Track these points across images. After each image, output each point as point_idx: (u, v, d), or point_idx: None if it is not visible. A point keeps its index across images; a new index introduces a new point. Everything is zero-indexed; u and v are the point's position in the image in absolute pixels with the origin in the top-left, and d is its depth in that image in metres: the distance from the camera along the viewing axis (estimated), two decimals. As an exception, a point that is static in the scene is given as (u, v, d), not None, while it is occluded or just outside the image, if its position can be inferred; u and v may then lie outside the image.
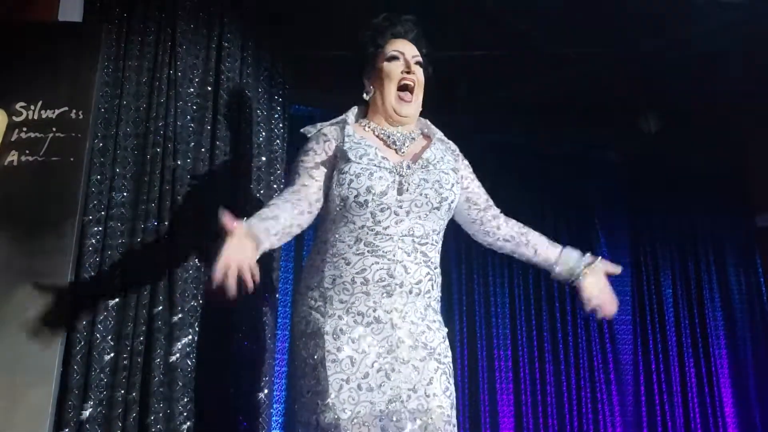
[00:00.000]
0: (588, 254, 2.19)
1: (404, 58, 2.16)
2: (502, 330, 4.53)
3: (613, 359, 4.79)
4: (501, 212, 2.28)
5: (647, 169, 5.16)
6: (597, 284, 2.14)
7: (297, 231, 2.04)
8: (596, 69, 4.33)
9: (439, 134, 2.24)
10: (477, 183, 2.27)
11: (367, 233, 1.98)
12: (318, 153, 2.10)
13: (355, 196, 1.97)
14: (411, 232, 2.00)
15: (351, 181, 1.98)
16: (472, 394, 4.32)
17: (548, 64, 4.24)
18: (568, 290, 4.74)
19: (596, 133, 4.97)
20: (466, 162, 2.28)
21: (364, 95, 2.22)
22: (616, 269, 2.18)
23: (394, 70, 2.15)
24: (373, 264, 1.96)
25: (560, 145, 4.99)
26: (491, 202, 2.28)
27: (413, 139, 2.18)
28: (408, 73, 2.15)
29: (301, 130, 2.22)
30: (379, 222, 1.98)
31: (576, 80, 4.42)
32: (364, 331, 1.93)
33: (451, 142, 2.27)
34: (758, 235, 5.25)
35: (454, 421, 1.94)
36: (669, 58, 4.10)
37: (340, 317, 1.94)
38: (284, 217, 1.96)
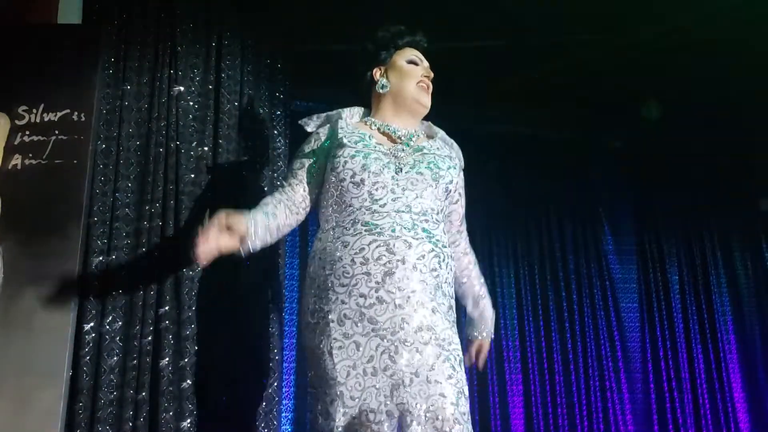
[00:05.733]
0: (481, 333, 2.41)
1: (423, 65, 2.30)
2: (510, 320, 4.54)
3: (621, 347, 4.79)
4: (469, 247, 2.41)
5: (651, 156, 5.14)
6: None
7: (287, 230, 2.21)
8: (597, 57, 4.31)
9: (442, 133, 2.31)
10: (462, 201, 2.31)
11: (365, 213, 2.02)
12: (306, 153, 2.24)
13: (351, 176, 2.04)
14: (408, 208, 2.03)
15: (346, 162, 2.06)
16: (481, 384, 4.33)
17: (549, 52, 4.22)
18: (575, 280, 4.75)
19: (599, 121, 4.96)
20: (462, 176, 2.30)
21: (380, 90, 2.27)
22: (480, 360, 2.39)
23: (415, 70, 2.28)
24: (371, 242, 1.96)
25: (563, 134, 4.97)
26: (464, 228, 2.36)
27: (417, 135, 2.25)
28: (426, 77, 2.28)
29: (299, 122, 2.33)
30: (377, 200, 2.02)
31: (577, 68, 4.40)
32: (367, 312, 1.91)
33: (454, 142, 2.32)
34: (763, 219, 5.24)
35: (463, 409, 1.86)
36: (670, 44, 4.08)
37: (343, 302, 1.93)
38: (281, 216, 2.13)
